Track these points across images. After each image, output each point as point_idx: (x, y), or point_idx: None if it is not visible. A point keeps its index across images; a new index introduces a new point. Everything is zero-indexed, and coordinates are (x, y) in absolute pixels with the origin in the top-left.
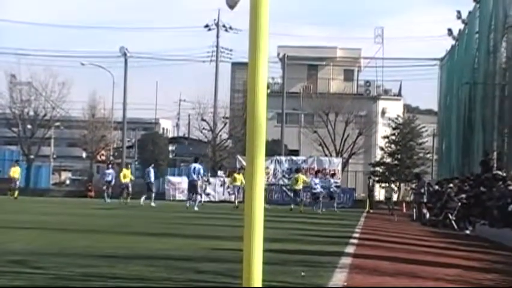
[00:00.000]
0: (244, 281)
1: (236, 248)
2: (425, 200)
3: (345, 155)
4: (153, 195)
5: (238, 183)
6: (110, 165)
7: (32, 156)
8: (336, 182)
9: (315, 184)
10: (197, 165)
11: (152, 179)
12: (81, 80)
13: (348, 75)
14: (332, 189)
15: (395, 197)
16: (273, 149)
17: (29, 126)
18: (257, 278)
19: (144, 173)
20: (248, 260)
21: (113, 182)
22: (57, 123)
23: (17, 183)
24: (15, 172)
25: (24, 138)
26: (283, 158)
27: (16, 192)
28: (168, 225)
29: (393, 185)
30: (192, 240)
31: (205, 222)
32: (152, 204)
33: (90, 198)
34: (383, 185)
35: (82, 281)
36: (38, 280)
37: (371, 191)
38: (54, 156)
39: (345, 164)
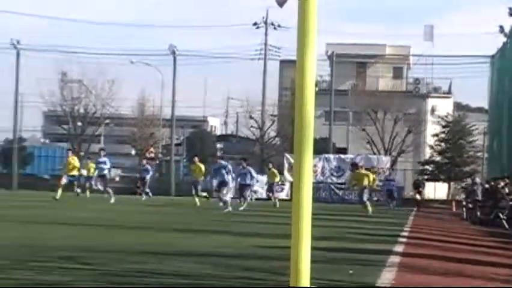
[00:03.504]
0: (292, 281)
1: (283, 245)
2: (479, 198)
3: (394, 153)
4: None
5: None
6: (146, 161)
7: (82, 154)
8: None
9: (392, 181)
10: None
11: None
12: (130, 77)
13: (397, 73)
14: (392, 188)
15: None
16: (322, 147)
17: (79, 124)
18: (305, 277)
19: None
20: (296, 259)
21: (148, 177)
22: (107, 121)
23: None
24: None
25: (75, 135)
26: (331, 156)
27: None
28: (215, 222)
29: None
30: (239, 237)
31: (252, 220)
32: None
33: (139, 195)
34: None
35: (129, 277)
36: (87, 276)
37: (419, 189)
38: (104, 153)
39: (393, 162)
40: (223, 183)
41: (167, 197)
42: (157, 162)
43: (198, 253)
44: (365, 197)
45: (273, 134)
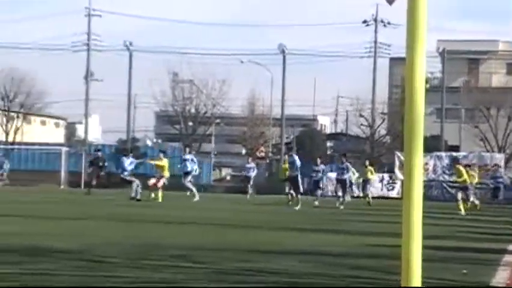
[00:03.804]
0: (403, 280)
1: (393, 244)
2: None
3: (508, 151)
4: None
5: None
6: (250, 159)
7: (193, 153)
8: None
9: (499, 178)
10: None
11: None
12: (240, 77)
13: (511, 69)
14: (499, 186)
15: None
16: (433, 145)
17: (190, 124)
18: (416, 277)
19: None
20: (407, 258)
21: (252, 175)
22: (218, 120)
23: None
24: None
25: (186, 135)
26: (443, 154)
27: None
28: (322, 221)
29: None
30: (347, 236)
31: (360, 218)
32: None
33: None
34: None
35: (240, 275)
36: (198, 274)
37: None
38: (215, 152)
39: (507, 160)
40: (294, 179)
41: (278, 196)
42: (267, 161)
43: (306, 252)
44: (471, 195)
45: (383, 132)
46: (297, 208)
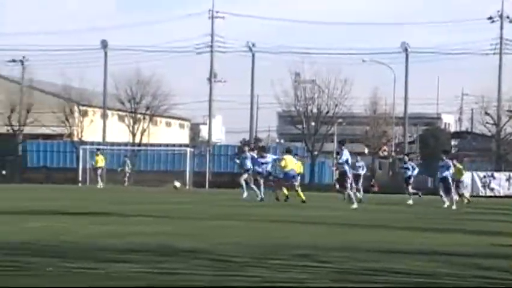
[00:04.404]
0: None
1: None
2: None
3: None
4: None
5: None
6: (359, 157)
7: (315, 153)
8: None
9: None
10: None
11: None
12: (362, 76)
13: None
14: None
15: None
16: None
17: (312, 123)
18: None
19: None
20: None
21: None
22: (340, 120)
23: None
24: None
25: (308, 135)
26: None
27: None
28: (444, 220)
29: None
30: (472, 236)
31: (485, 218)
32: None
33: (373, 193)
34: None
35: (364, 275)
36: (322, 274)
37: None
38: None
39: None
40: (344, 174)
41: (400, 195)
42: (390, 160)
43: (430, 251)
44: None
45: (510, 130)
46: (353, 206)
